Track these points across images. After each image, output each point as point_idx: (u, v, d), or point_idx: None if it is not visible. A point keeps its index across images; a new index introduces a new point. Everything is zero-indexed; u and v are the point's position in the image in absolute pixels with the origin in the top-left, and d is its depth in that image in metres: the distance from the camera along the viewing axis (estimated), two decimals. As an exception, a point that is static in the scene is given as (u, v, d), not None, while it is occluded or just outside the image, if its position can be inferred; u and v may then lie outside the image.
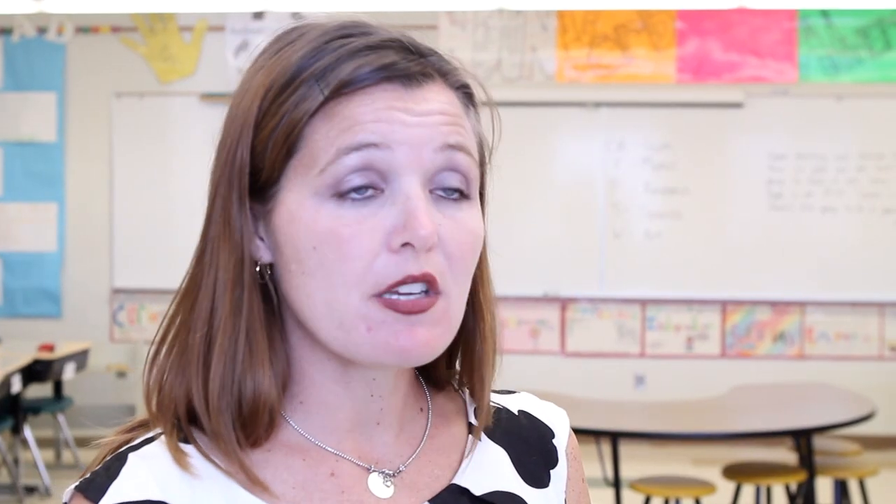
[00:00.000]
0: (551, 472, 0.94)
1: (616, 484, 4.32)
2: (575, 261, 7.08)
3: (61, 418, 6.42)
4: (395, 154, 0.78)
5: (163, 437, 0.82)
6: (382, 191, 0.79)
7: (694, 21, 7.09)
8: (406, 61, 0.80)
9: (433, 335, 0.80)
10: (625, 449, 4.82)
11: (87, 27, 7.26)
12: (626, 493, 4.59)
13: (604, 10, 7.09)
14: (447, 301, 0.80)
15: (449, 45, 6.95)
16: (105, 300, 7.33)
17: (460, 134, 0.81)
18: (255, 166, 0.81)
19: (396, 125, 0.79)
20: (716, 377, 6.85)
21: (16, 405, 5.86)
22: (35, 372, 5.92)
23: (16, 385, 5.61)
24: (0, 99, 7.27)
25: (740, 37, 7.06)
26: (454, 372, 0.92)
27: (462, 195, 0.82)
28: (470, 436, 0.91)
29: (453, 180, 0.81)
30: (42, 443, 6.48)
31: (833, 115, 7.01)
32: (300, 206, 0.80)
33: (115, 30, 7.27)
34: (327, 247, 0.78)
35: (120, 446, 0.84)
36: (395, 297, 0.78)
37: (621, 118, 7.08)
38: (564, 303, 7.15)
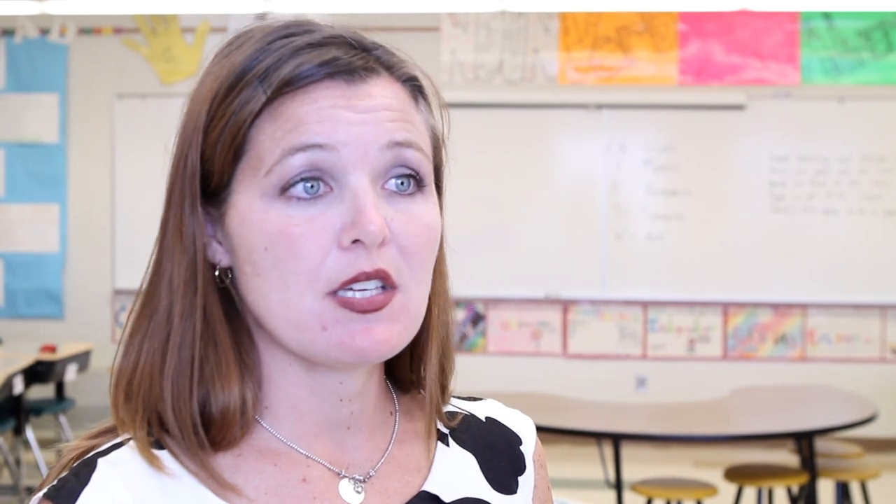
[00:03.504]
0: (519, 478, 0.94)
1: (618, 486, 4.32)
2: (576, 263, 7.08)
3: (63, 419, 6.41)
4: (340, 154, 0.78)
5: (132, 442, 0.81)
6: (331, 189, 0.78)
7: (696, 23, 7.09)
8: (349, 56, 0.80)
9: (392, 332, 0.79)
10: (626, 451, 4.82)
11: (89, 28, 7.27)
12: (628, 495, 4.59)
13: (606, 12, 7.09)
14: (405, 295, 0.80)
15: (451, 47, 6.96)
16: (107, 301, 7.34)
17: (407, 129, 0.81)
18: (206, 171, 0.81)
19: (341, 124, 0.78)
20: (717, 379, 6.85)
21: (17, 406, 5.86)
22: (37, 373, 5.91)
23: (17, 386, 5.61)
24: (2, 100, 7.28)
25: (742, 39, 7.06)
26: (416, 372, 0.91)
27: (416, 189, 0.81)
28: (438, 441, 0.90)
29: (403, 175, 0.80)
30: (44, 444, 6.48)
31: (835, 117, 7.01)
32: (250, 209, 0.79)
33: (118, 31, 7.28)
34: (278, 247, 0.78)
35: (86, 452, 0.82)
36: (350, 294, 0.78)
37: (623, 120, 7.08)
38: (566, 305, 7.15)
